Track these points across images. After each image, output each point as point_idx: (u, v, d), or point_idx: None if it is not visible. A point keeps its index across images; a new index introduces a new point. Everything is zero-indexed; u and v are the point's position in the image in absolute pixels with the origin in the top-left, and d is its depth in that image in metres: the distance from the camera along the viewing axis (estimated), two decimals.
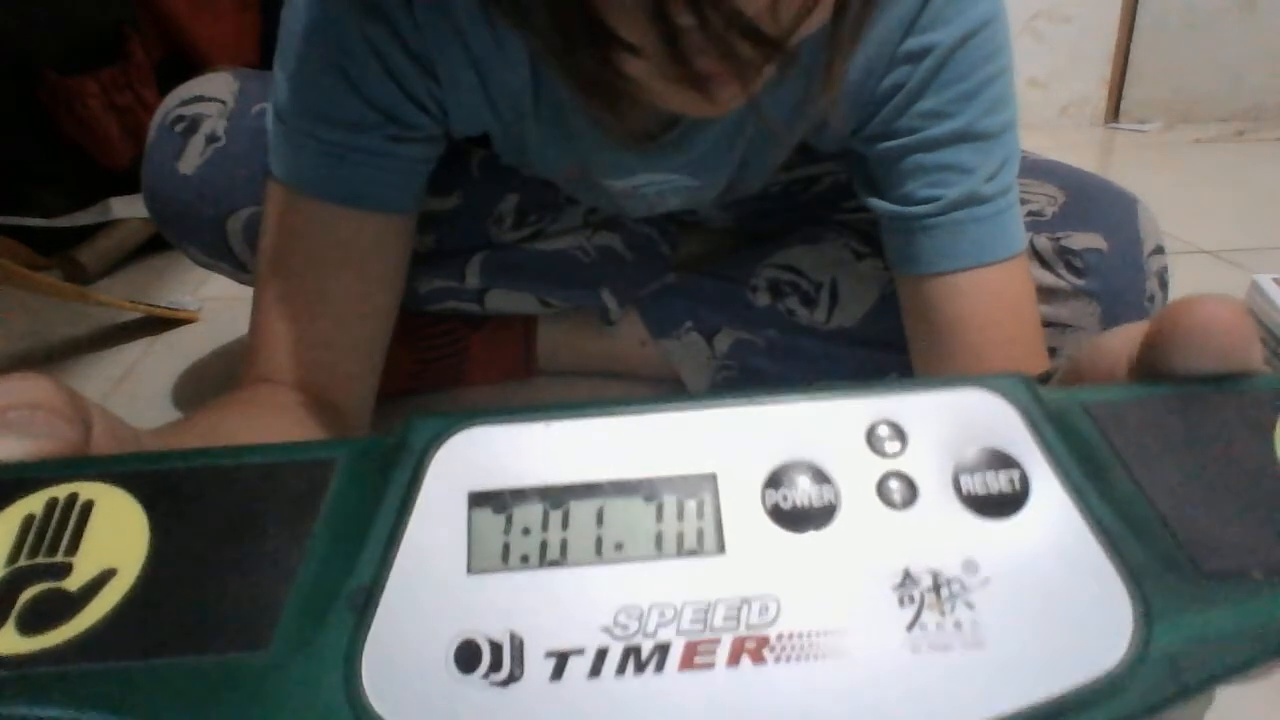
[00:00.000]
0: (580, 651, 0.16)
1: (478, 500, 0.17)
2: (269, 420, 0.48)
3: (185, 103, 0.70)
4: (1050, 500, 0.17)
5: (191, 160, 0.68)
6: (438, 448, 0.18)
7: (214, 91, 0.70)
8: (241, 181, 0.67)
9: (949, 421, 0.18)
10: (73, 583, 0.17)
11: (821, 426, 0.18)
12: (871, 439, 0.18)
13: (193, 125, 0.69)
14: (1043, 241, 0.66)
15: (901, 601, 0.16)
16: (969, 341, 0.56)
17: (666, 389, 0.81)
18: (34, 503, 0.18)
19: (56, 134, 1.17)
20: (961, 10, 0.52)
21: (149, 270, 1.19)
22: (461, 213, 0.72)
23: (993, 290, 0.56)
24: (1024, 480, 0.17)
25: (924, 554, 0.17)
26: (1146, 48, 1.98)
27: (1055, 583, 0.16)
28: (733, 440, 0.18)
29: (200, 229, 0.70)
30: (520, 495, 0.17)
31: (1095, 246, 0.66)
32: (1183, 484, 0.18)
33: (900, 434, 0.18)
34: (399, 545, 0.17)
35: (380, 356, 0.59)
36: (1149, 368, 0.19)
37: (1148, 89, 2.01)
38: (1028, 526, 0.17)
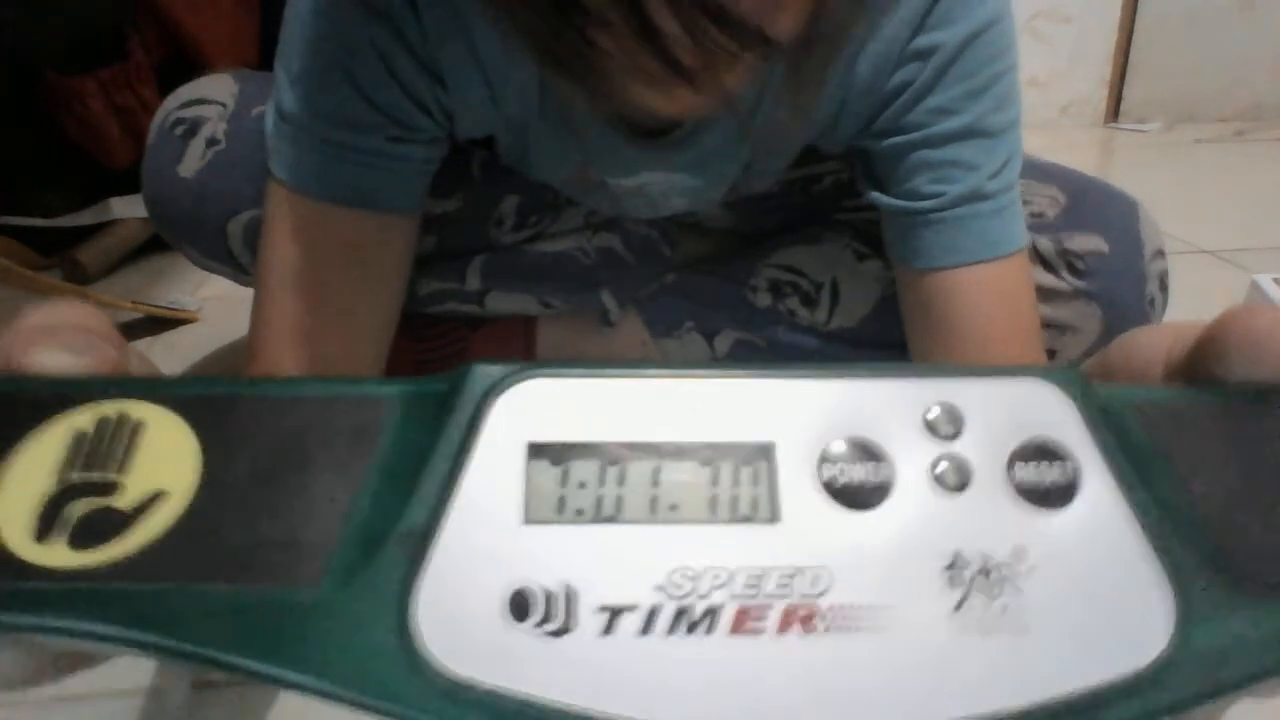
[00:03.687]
0: (633, 608, 0.16)
1: (536, 451, 0.17)
2: None
3: (185, 105, 0.70)
4: (1100, 495, 0.17)
5: (191, 164, 0.68)
6: (498, 396, 0.18)
7: (214, 94, 0.70)
8: (242, 185, 0.67)
9: (1005, 409, 0.18)
10: (123, 501, 0.17)
11: (880, 405, 0.18)
12: (928, 421, 0.18)
13: (193, 128, 0.68)
14: (1045, 243, 0.66)
15: (951, 583, 0.17)
16: (968, 336, 0.56)
17: None
18: (84, 418, 0.18)
19: (56, 134, 1.17)
20: (970, 9, 0.53)
21: (149, 270, 1.19)
22: (462, 215, 0.72)
23: (993, 286, 0.56)
24: (1076, 473, 0.18)
25: (975, 538, 0.17)
26: (1146, 48, 1.98)
27: (1100, 576, 0.17)
28: (792, 412, 0.18)
29: (200, 232, 0.70)
30: (578, 449, 0.17)
31: (1096, 249, 0.66)
32: (1228, 491, 0.18)
33: (957, 418, 0.18)
34: (454, 490, 0.17)
35: (382, 357, 0.59)
36: (1198, 369, 0.19)
37: (1148, 89, 2.01)
38: (1077, 519, 0.17)
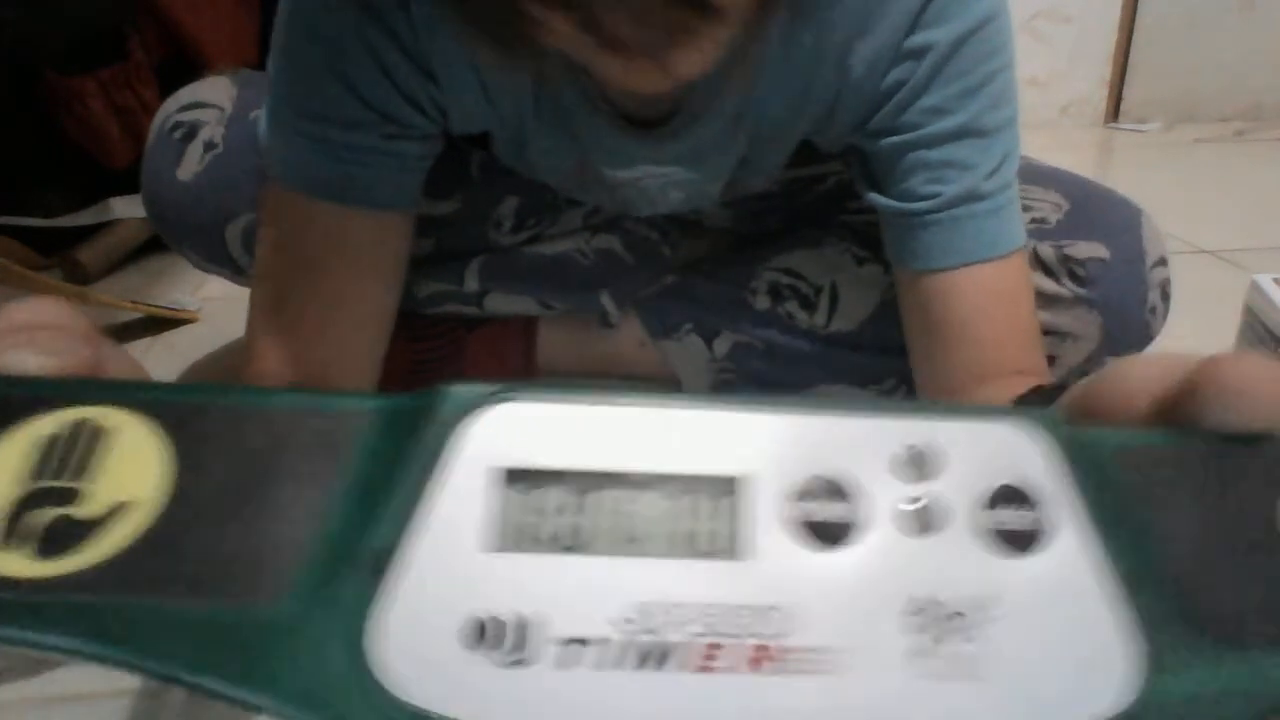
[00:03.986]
0: (589, 642, 0.16)
1: (503, 477, 0.17)
2: None
3: (184, 108, 0.70)
4: (1069, 543, 0.17)
5: (190, 167, 0.68)
6: (469, 419, 0.18)
7: (213, 97, 0.70)
8: (240, 189, 0.67)
9: (978, 453, 0.18)
10: (88, 511, 0.17)
11: (852, 444, 0.18)
12: (899, 462, 0.18)
13: (191, 132, 0.69)
14: (1046, 249, 0.66)
15: (910, 628, 0.16)
16: (966, 336, 0.56)
17: (666, 390, 0.81)
18: (52, 423, 0.17)
19: (56, 134, 1.17)
20: (964, 7, 0.52)
21: (149, 270, 1.19)
22: (460, 216, 0.72)
23: (990, 286, 0.56)
24: (1045, 520, 0.17)
25: (938, 583, 0.17)
26: (1146, 48, 1.98)
27: (1064, 626, 0.16)
28: (762, 447, 0.18)
29: (199, 235, 0.70)
30: (545, 477, 0.17)
31: (1098, 256, 0.66)
32: (1202, 540, 0.18)
33: (928, 460, 0.18)
34: (419, 514, 0.17)
35: (378, 356, 0.59)
36: (1180, 412, 0.19)
37: (1148, 89, 2.01)
38: (1044, 566, 0.17)
